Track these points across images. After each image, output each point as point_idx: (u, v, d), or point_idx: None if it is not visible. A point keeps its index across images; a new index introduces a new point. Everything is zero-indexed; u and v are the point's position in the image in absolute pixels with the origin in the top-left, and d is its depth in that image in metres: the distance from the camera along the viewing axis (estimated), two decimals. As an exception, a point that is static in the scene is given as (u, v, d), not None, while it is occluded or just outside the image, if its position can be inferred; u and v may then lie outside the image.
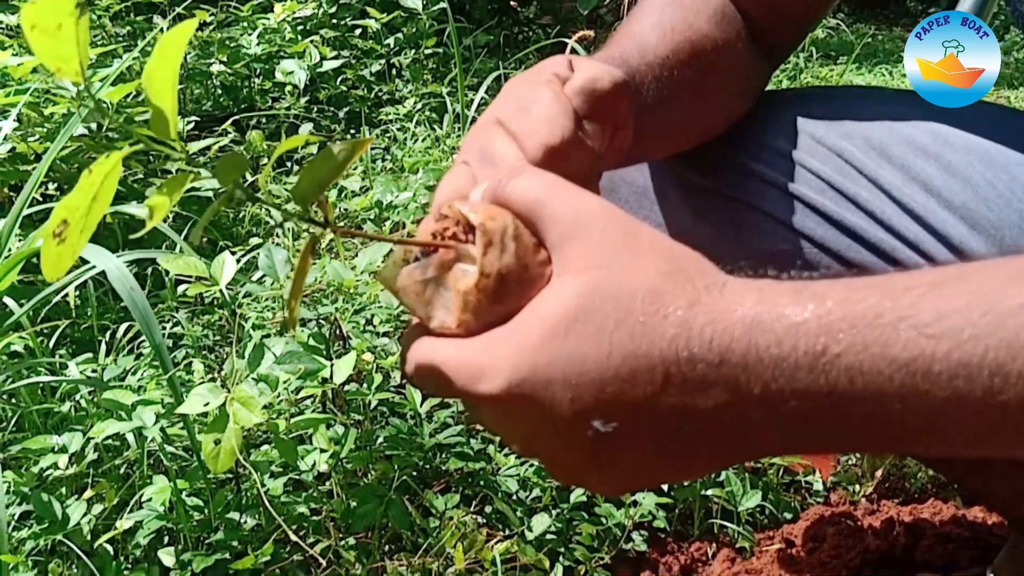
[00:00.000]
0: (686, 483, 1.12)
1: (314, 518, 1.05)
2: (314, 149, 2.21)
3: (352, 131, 2.46)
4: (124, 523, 0.97)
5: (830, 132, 0.68)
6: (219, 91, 2.47)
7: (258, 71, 2.52)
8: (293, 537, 0.97)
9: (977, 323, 0.33)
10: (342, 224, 1.87)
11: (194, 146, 1.91)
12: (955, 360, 0.33)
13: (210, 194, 1.90)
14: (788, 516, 1.18)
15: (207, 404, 0.90)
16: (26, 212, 1.27)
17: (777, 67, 0.75)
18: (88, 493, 1.00)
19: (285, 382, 1.05)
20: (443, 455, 1.14)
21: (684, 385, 0.36)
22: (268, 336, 1.23)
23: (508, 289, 0.40)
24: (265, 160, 2.23)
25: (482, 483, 1.11)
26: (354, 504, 1.03)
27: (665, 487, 1.12)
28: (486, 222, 0.40)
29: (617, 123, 0.53)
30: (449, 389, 0.40)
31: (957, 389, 0.33)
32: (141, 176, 1.94)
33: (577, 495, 1.08)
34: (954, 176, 0.63)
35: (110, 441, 1.10)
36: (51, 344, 1.35)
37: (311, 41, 2.55)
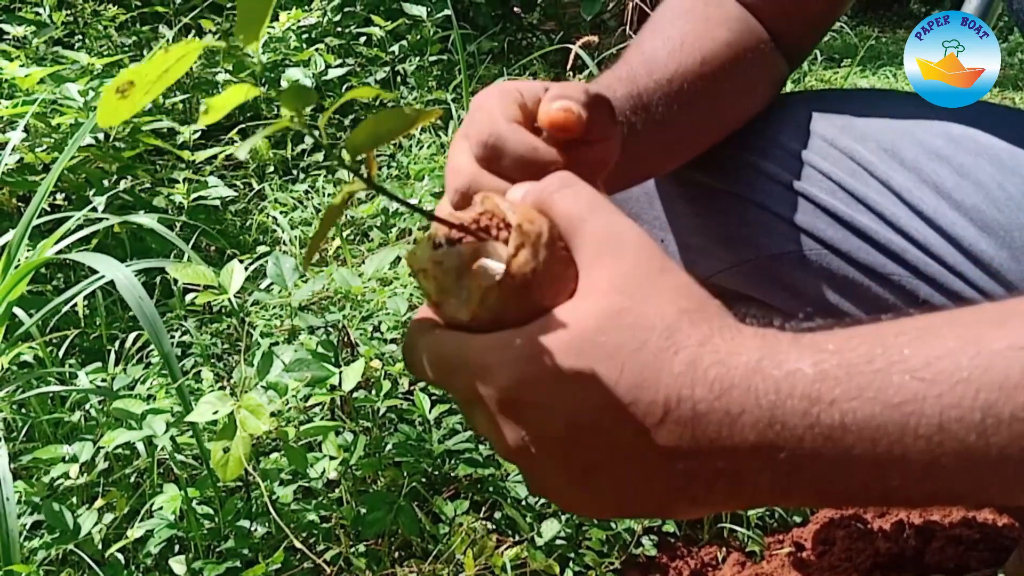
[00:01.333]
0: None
1: (324, 525, 1.05)
2: (320, 156, 2.22)
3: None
4: (135, 532, 0.97)
5: (842, 133, 0.68)
6: (225, 100, 2.47)
7: (263, 80, 2.53)
8: (300, 546, 0.97)
9: (967, 365, 0.33)
10: (349, 231, 1.88)
11: (201, 155, 1.92)
12: (946, 403, 0.33)
13: (217, 202, 1.91)
14: (798, 519, 1.17)
15: (216, 412, 0.91)
16: (35, 223, 1.28)
17: (797, 66, 0.75)
18: (99, 502, 1.01)
19: (294, 390, 1.06)
20: (452, 461, 1.14)
21: (679, 422, 0.36)
22: (277, 344, 1.23)
23: (529, 293, 0.39)
24: (271, 169, 2.23)
25: (491, 489, 1.11)
26: (364, 511, 1.03)
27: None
28: (524, 224, 0.40)
29: (591, 137, 0.51)
30: (448, 380, 0.40)
31: (951, 432, 0.33)
32: (148, 185, 1.94)
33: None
34: (965, 178, 0.63)
35: (120, 450, 1.10)
36: (60, 354, 1.35)
37: (316, 49, 2.56)
